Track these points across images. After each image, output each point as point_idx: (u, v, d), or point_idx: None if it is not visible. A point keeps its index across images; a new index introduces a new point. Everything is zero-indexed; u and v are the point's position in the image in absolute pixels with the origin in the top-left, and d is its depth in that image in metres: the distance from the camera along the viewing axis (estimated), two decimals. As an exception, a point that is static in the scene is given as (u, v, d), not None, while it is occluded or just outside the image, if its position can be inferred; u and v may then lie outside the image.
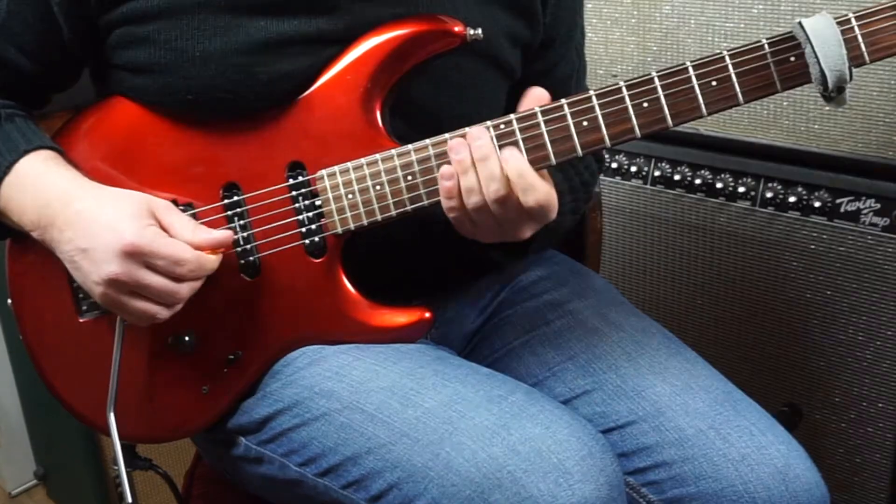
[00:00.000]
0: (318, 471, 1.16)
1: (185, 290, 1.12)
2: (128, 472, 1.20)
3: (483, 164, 1.09)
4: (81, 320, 1.22)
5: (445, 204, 1.11)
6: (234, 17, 1.14)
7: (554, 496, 1.01)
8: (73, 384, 1.26)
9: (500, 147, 1.11)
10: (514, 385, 1.14)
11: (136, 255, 1.09)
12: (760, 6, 1.72)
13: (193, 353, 1.21)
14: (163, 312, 1.12)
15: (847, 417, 1.81)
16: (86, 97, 1.28)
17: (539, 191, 1.08)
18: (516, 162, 1.09)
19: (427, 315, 1.21)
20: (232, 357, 1.22)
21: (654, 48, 1.88)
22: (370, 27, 1.16)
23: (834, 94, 1.08)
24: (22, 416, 2.49)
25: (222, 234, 1.16)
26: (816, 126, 1.73)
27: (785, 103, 1.73)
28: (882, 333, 1.72)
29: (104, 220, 1.11)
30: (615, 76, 1.95)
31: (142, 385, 1.23)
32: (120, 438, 1.18)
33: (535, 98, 1.14)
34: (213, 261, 1.14)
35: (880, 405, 1.76)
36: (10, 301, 1.27)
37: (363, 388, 1.14)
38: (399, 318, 1.21)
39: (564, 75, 1.38)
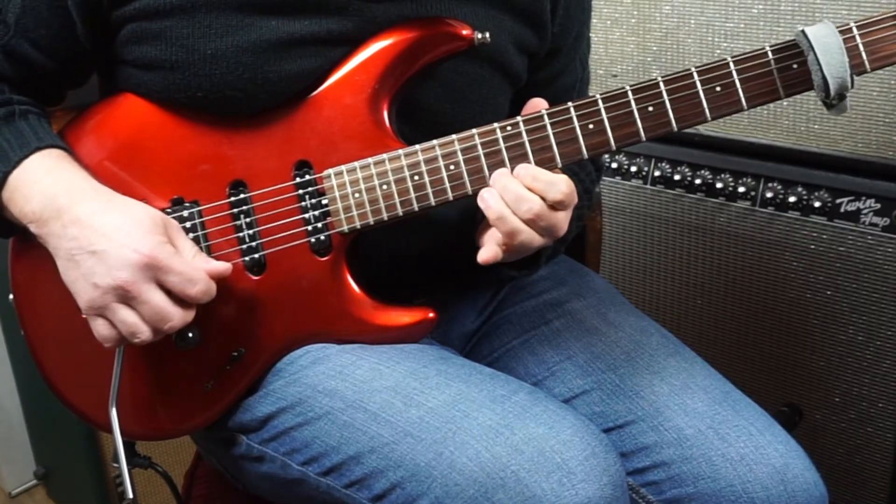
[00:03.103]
0: (321, 470, 1.16)
1: (178, 319, 1.11)
2: (128, 470, 1.20)
3: (508, 192, 1.10)
4: (84, 316, 1.22)
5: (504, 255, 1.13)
6: (246, 16, 1.15)
7: (557, 496, 1.01)
8: (74, 381, 1.26)
9: (508, 149, 1.12)
10: (518, 385, 1.14)
11: (150, 269, 1.09)
12: (760, 6, 1.73)
13: (197, 350, 1.21)
14: (145, 333, 1.11)
15: (847, 417, 1.81)
16: (88, 97, 1.28)
17: (558, 182, 1.09)
18: (527, 170, 1.10)
19: (431, 315, 1.22)
20: (235, 354, 1.22)
21: (654, 48, 1.88)
22: (379, 29, 1.17)
23: (835, 101, 1.09)
24: (22, 416, 2.48)
25: (221, 265, 1.16)
26: (816, 126, 1.73)
27: (785, 103, 1.74)
28: (882, 333, 1.73)
29: (119, 225, 1.11)
30: (615, 76, 1.95)
31: (144, 381, 1.23)
32: (121, 435, 1.18)
33: (536, 108, 1.14)
34: (215, 290, 1.14)
35: (880, 405, 1.76)
36: (11, 296, 1.26)
37: (366, 387, 1.14)
38: (403, 317, 1.21)
39: (568, 85, 1.39)
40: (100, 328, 1.13)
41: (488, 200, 1.11)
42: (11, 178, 1.16)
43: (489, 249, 1.12)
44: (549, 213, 1.09)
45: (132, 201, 1.15)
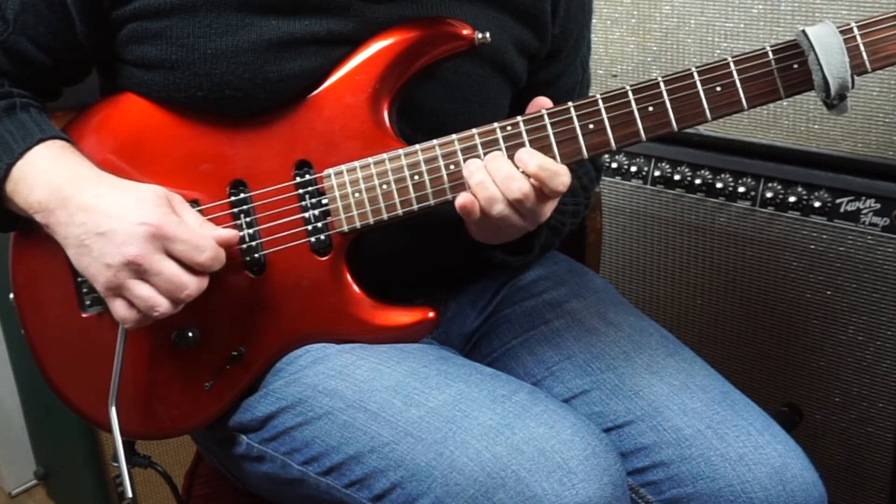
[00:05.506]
0: (321, 470, 1.16)
1: (194, 286, 1.12)
2: (128, 469, 1.20)
3: (498, 171, 1.10)
4: (84, 315, 1.22)
5: (469, 221, 1.13)
6: (246, 15, 1.15)
7: (558, 495, 1.01)
8: (74, 379, 1.26)
9: (508, 149, 1.12)
10: (518, 385, 1.14)
11: (157, 239, 1.09)
12: (760, 6, 1.73)
13: (197, 349, 1.21)
14: (164, 305, 1.11)
15: (847, 417, 1.81)
16: (89, 97, 1.28)
17: (562, 174, 1.09)
18: (532, 157, 1.10)
19: (431, 315, 1.22)
20: (235, 353, 1.22)
21: (654, 48, 1.89)
22: (380, 28, 1.17)
23: (836, 101, 1.09)
24: (22, 416, 2.49)
25: (228, 232, 1.16)
26: (816, 126, 1.73)
27: (785, 103, 1.74)
28: (882, 333, 1.73)
29: (125, 204, 1.11)
30: (615, 76, 1.95)
31: (144, 380, 1.23)
32: (121, 434, 1.18)
33: (540, 107, 1.15)
34: (224, 256, 1.15)
35: (880, 405, 1.77)
36: (12, 295, 1.27)
37: (366, 387, 1.14)
38: (403, 317, 1.21)
39: (568, 87, 1.39)
40: (119, 309, 1.13)
41: (470, 167, 1.11)
42: (15, 170, 1.16)
43: (468, 195, 1.11)
44: (535, 199, 1.10)
45: (135, 183, 1.16)
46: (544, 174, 1.09)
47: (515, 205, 1.09)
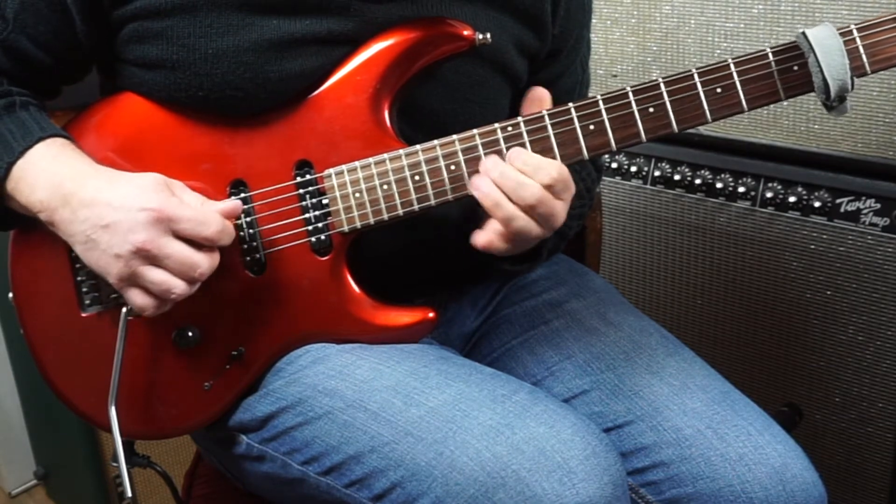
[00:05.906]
0: (321, 469, 1.16)
1: (206, 264, 1.12)
2: (128, 469, 1.20)
3: (507, 179, 1.10)
4: (83, 315, 1.22)
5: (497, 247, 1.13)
6: (247, 15, 1.15)
7: (558, 495, 1.01)
8: (73, 379, 1.26)
9: (508, 150, 1.13)
10: (518, 384, 1.14)
11: (161, 222, 1.09)
12: (760, 6, 1.73)
13: (197, 349, 1.21)
14: (180, 287, 1.11)
15: (847, 417, 1.81)
16: (89, 97, 1.28)
17: (547, 166, 1.10)
18: (519, 154, 1.11)
19: (431, 315, 1.22)
20: (235, 353, 1.22)
21: (654, 48, 1.89)
22: (380, 29, 1.17)
23: (836, 103, 1.10)
24: (22, 416, 2.49)
25: (230, 203, 1.16)
26: (816, 126, 1.73)
27: (785, 103, 1.74)
28: (882, 333, 1.73)
29: (125, 193, 1.11)
30: (615, 76, 1.96)
31: (143, 380, 1.23)
32: (120, 434, 1.18)
33: (537, 98, 1.15)
34: (232, 228, 1.15)
35: (880, 405, 1.77)
36: (11, 294, 1.27)
37: (366, 386, 1.14)
38: (403, 317, 1.21)
39: (568, 87, 1.39)
40: (136, 298, 1.13)
41: (482, 188, 1.11)
42: (16, 168, 1.16)
43: (484, 236, 1.12)
44: (550, 200, 1.10)
45: (133, 173, 1.15)
46: (527, 169, 1.10)
47: (530, 211, 1.10)
